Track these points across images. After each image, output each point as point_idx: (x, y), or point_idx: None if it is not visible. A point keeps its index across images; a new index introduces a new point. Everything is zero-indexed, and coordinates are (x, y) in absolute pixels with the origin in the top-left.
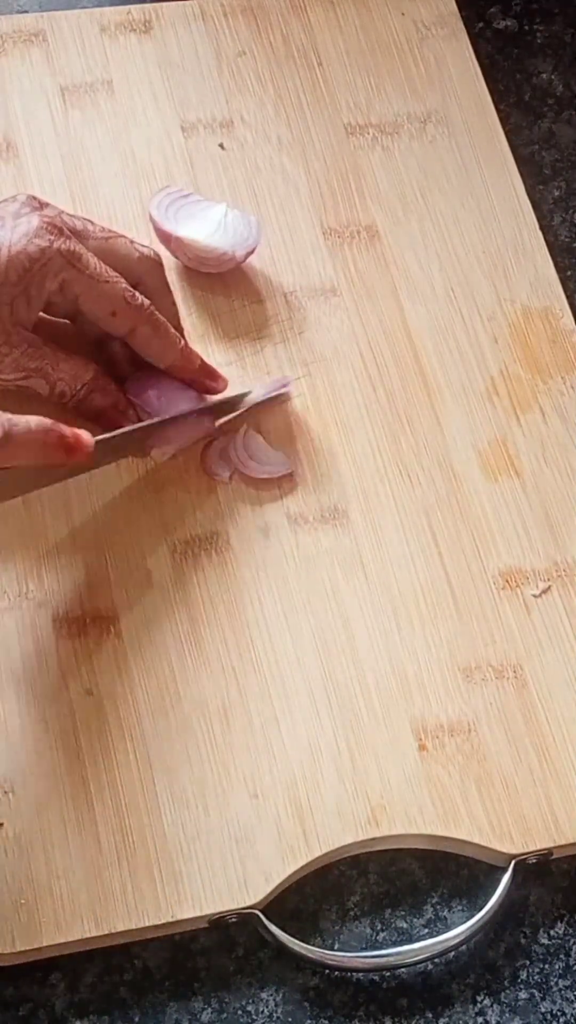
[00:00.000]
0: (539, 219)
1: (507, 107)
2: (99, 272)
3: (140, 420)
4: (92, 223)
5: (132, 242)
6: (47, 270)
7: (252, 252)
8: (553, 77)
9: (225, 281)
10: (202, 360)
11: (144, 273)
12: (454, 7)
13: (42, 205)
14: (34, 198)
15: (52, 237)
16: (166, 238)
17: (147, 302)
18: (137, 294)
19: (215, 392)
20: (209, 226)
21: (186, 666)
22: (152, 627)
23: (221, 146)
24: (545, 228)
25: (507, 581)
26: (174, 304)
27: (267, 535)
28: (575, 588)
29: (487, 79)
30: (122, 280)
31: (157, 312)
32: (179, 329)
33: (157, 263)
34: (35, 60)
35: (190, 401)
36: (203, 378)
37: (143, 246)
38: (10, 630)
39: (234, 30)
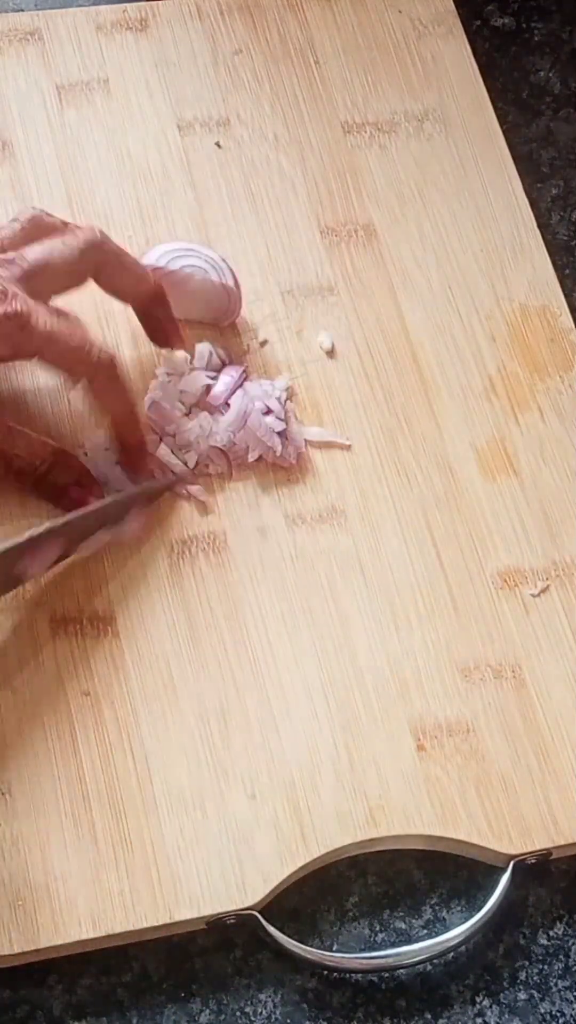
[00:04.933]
0: (537, 217)
1: (505, 105)
2: (51, 329)
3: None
4: (19, 224)
5: (63, 240)
6: None
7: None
8: (551, 75)
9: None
10: (141, 432)
11: (94, 260)
12: (451, 5)
13: None
14: None
15: None
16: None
17: (105, 355)
18: (95, 347)
19: (142, 473)
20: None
21: (184, 666)
22: (149, 627)
23: (218, 144)
24: (543, 226)
25: (505, 581)
26: (136, 263)
27: (264, 535)
28: (574, 587)
29: (485, 77)
30: (77, 333)
31: (115, 364)
32: (144, 275)
33: (96, 242)
34: (31, 59)
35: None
36: (136, 448)
37: (76, 230)
38: (7, 630)
39: (230, 28)
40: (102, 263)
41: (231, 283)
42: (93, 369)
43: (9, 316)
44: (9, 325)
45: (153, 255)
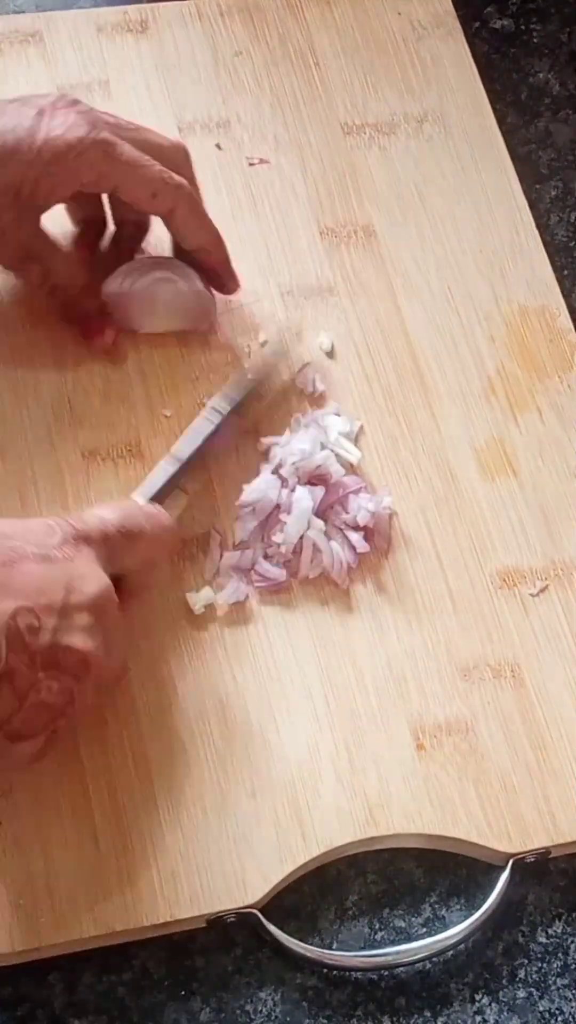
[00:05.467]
0: (536, 218)
1: (504, 106)
2: (135, 158)
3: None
4: (119, 117)
5: (158, 133)
6: (82, 160)
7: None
8: (550, 76)
9: None
10: (226, 252)
11: (173, 161)
12: (450, 6)
13: (75, 101)
14: (66, 96)
15: (88, 128)
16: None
17: (184, 182)
18: (173, 175)
19: (230, 292)
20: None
21: (184, 665)
22: (150, 627)
23: (218, 146)
24: (542, 227)
25: (504, 580)
26: (199, 193)
27: None
28: (572, 587)
29: (484, 78)
30: (157, 164)
31: (195, 193)
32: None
33: (184, 152)
34: (32, 60)
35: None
36: (224, 269)
37: (169, 137)
38: None
39: (230, 30)
40: (187, 174)
41: (200, 286)
42: (175, 195)
43: (97, 142)
44: (95, 151)
45: (114, 283)
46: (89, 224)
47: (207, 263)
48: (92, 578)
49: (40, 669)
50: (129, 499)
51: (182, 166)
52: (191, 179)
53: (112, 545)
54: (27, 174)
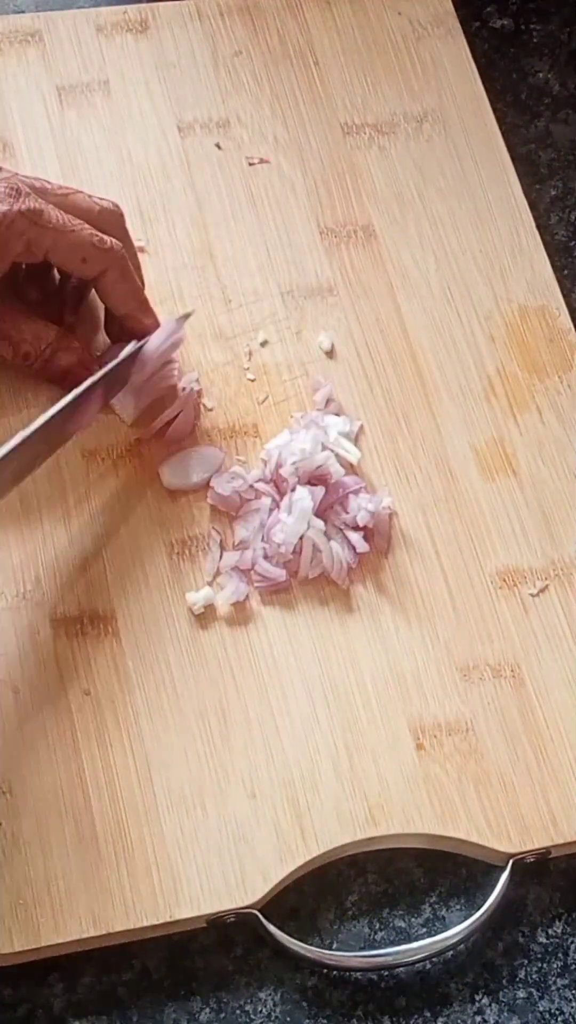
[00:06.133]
0: (536, 218)
1: (504, 106)
2: (63, 223)
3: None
4: (49, 181)
5: (91, 196)
6: (10, 233)
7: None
8: (550, 76)
9: (221, 280)
10: (156, 318)
11: (106, 226)
12: (450, 6)
13: None
14: None
15: (11, 200)
16: None
17: (117, 244)
18: (105, 237)
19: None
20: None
21: (184, 666)
22: (150, 627)
23: (218, 146)
24: (542, 227)
25: (504, 580)
26: (136, 256)
27: None
28: (572, 587)
29: (483, 78)
30: (87, 227)
31: (127, 256)
32: (141, 280)
33: (118, 215)
34: (31, 60)
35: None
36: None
37: (102, 199)
38: (8, 630)
39: (230, 30)
40: (120, 237)
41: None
42: (105, 259)
43: (23, 212)
44: (23, 221)
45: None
46: (30, 270)
47: (136, 330)
48: None
49: None
50: None
51: (115, 229)
52: (126, 242)
53: None
54: None
